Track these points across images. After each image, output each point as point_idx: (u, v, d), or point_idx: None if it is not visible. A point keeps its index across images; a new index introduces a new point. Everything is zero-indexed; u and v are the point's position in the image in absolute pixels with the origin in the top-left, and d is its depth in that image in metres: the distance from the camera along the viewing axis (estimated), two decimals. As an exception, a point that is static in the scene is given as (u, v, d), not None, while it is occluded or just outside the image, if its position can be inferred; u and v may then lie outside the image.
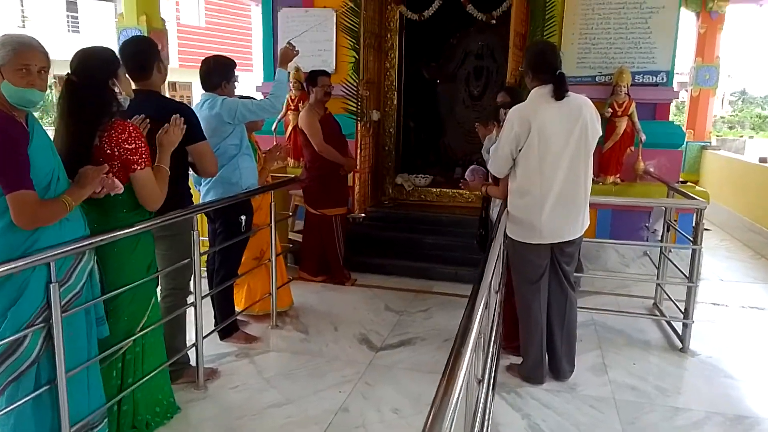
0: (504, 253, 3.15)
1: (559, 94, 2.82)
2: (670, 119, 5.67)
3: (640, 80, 5.17)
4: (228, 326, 3.43)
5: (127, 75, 2.35)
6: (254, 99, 3.37)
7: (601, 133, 2.96)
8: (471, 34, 7.26)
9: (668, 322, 3.92)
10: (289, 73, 5.65)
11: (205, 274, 4.23)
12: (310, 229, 4.67)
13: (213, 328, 3.31)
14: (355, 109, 5.06)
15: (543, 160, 2.81)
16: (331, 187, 4.55)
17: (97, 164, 2.13)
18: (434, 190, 5.86)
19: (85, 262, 2.05)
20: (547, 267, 3.02)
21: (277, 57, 3.51)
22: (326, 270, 4.70)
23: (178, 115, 2.50)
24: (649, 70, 5.19)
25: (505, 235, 3.03)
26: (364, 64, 5.06)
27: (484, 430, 2.27)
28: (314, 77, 4.45)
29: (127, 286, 2.29)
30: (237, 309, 3.76)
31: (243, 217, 3.27)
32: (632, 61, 5.18)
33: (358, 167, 5.11)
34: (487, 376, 2.41)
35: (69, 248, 1.92)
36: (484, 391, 2.27)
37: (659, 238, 4.67)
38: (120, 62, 2.33)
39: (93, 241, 2.04)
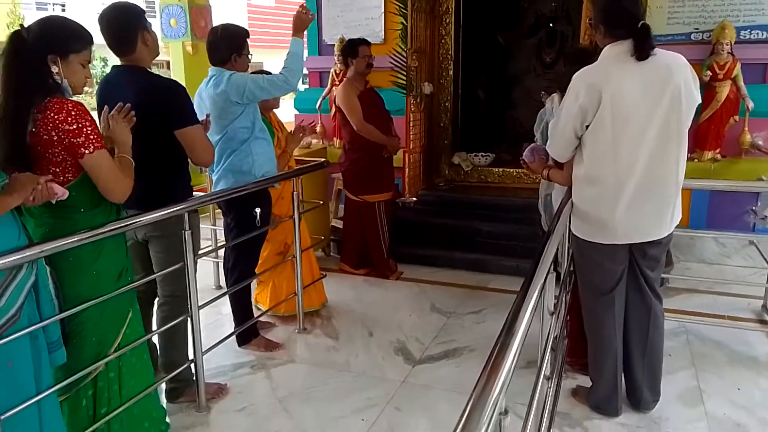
0: (569, 253, 2.55)
1: (642, 52, 2.12)
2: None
3: (747, 36, 4.30)
4: (247, 331, 3.04)
5: (82, 64, 1.93)
6: (271, 74, 2.90)
7: (699, 101, 2.25)
8: (544, -6, 6.53)
9: (784, 334, 3.16)
10: (332, 45, 5.22)
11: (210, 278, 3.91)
12: (350, 217, 4.21)
13: (224, 336, 2.91)
14: (404, 82, 4.51)
15: (618, 139, 2.15)
16: (373, 171, 4.05)
17: (36, 155, 1.74)
18: (496, 170, 5.21)
19: (23, 278, 1.67)
20: (624, 273, 2.37)
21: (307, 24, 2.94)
22: (369, 262, 4.23)
23: (122, 104, 2.04)
24: (757, 25, 4.29)
25: (570, 232, 2.42)
26: (413, 31, 4.47)
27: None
28: (353, 47, 3.92)
29: (89, 303, 1.90)
30: (262, 308, 3.38)
31: (258, 210, 2.84)
32: (736, 13, 4.30)
33: (408, 146, 4.59)
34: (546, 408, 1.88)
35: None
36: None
37: (770, 227, 3.84)
38: (82, 48, 1.92)
39: (25, 255, 1.63)
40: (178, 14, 5.79)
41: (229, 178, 2.84)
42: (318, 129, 5.44)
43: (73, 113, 1.78)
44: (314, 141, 5.25)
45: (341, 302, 3.73)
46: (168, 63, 6.41)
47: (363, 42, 3.97)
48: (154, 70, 2.45)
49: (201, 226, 4.37)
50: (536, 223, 3.45)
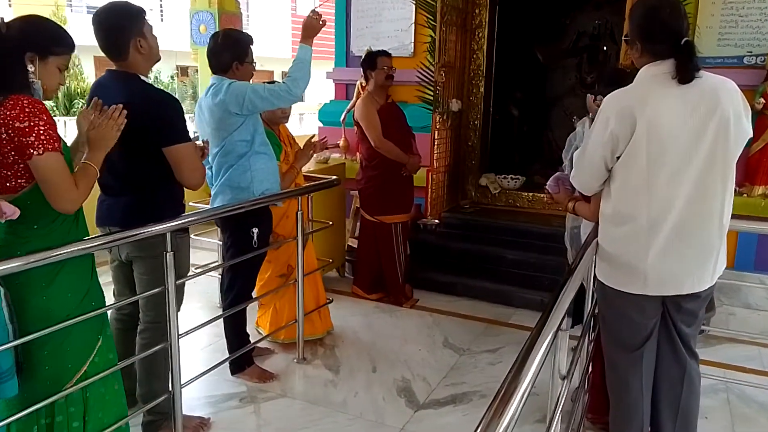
0: (593, 297, 2.26)
1: (685, 73, 1.83)
2: None
3: (806, 61, 3.94)
4: (241, 359, 2.84)
5: (60, 69, 1.80)
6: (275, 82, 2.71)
7: (751, 134, 1.95)
8: (586, 11, 6.27)
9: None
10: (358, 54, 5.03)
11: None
12: (365, 238, 3.98)
13: (216, 362, 2.71)
14: (430, 98, 4.30)
15: (654, 173, 1.86)
16: (390, 190, 3.82)
17: None
18: (526, 194, 4.93)
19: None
20: (656, 326, 2.07)
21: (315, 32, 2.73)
22: (383, 287, 3.99)
23: (118, 105, 1.89)
24: (818, 49, 3.92)
25: (595, 276, 2.13)
26: (442, 45, 4.25)
27: None
28: (372, 59, 3.74)
29: (45, 330, 1.71)
30: (263, 333, 3.18)
31: (255, 230, 2.65)
32: (794, 36, 3.95)
33: (432, 165, 4.36)
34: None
35: None
36: None
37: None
38: (63, 53, 1.81)
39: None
40: (207, 21, 5.71)
41: (227, 194, 2.65)
42: (341, 143, 5.27)
43: (27, 110, 1.61)
44: (334, 155, 5.07)
45: (348, 329, 3.50)
46: (197, 69, 6.37)
47: (382, 53, 3.78)
48: (189, 77, 2.31)
49: (207, 240, 4.29)
50: (565, 255, 3.18)
